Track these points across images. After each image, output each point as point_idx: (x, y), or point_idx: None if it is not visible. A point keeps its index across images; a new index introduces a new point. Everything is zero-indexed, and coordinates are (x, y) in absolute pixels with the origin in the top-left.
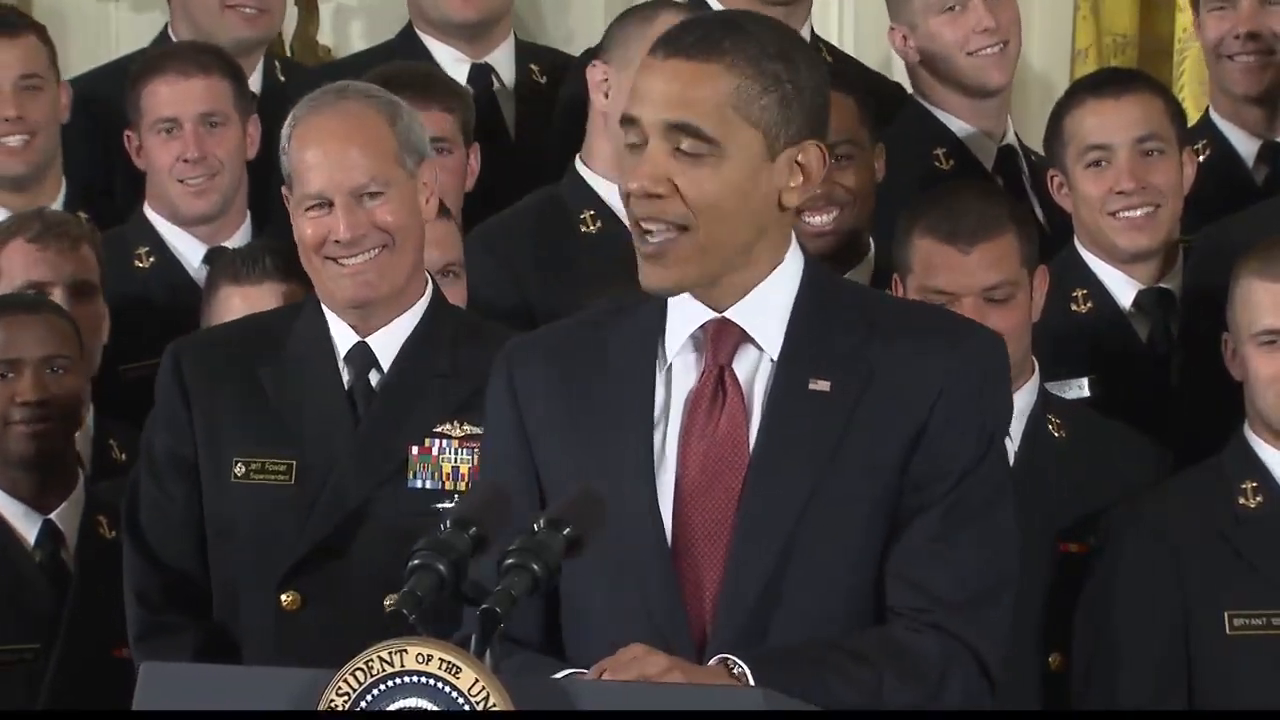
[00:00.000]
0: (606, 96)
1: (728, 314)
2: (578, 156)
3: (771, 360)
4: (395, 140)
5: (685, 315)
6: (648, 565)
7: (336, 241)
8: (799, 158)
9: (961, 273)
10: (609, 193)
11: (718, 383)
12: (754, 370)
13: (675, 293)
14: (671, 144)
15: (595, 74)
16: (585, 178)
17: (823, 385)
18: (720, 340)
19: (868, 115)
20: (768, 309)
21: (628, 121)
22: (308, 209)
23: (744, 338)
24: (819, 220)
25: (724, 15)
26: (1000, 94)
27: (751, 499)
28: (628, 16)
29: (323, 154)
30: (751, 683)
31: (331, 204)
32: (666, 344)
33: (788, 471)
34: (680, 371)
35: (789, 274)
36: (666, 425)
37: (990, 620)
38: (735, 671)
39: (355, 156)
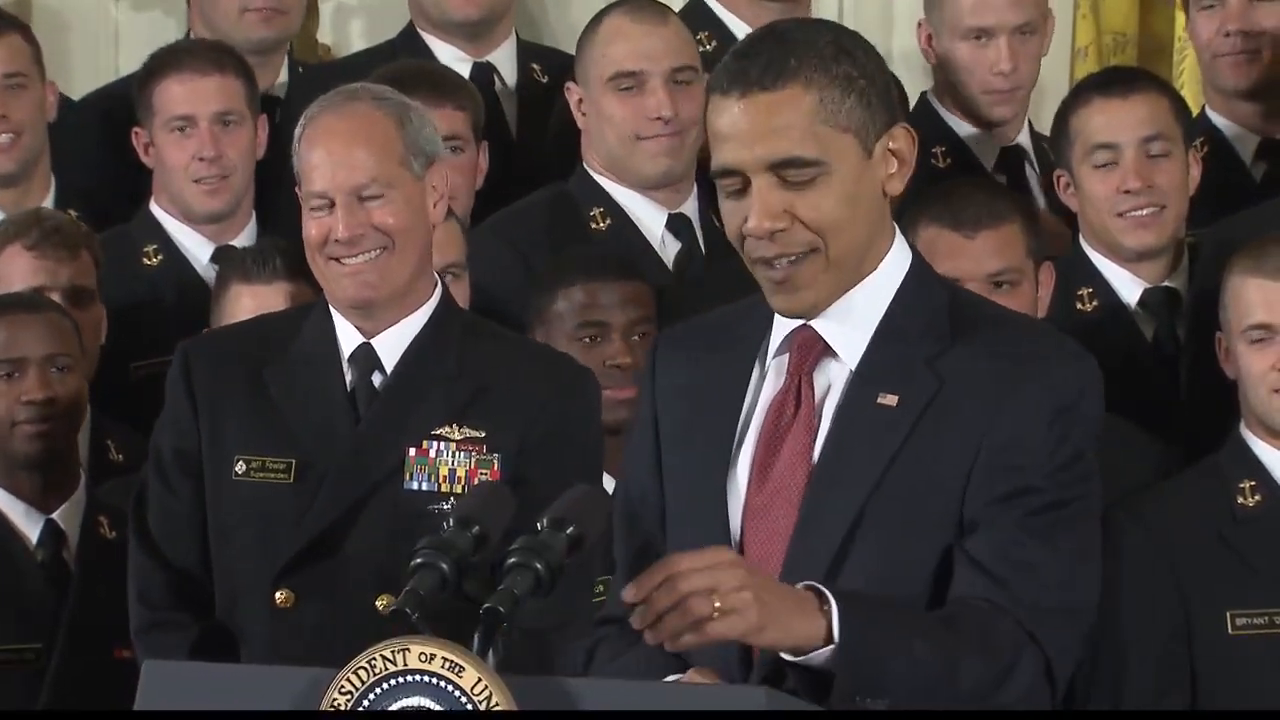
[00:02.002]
0: (585, 115)
1: (814, 323)
2: (582, 159)
3: (852, 371)
4: (402, 142)
5: (784, 321)
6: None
7: (337, 241)
8: (890, 145)
9: (966, 258)
10: (617, 191)
11: (796, 394)
12: (835, 381)
13: (812, 314)
14: (777, 177)
15: (572, 97)
16: (594, 176)
17: (890, 400)
18: (803, 350)
19: (903, 103)
20: (855, 316)
21: (726, 173)
22: (312, 208)
23: (827, 350)
24: None
25: (773, 33)
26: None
27: (807, 513)
28: (583, 32)
29: (327, 154)
30: (836, 619)
31: (333, 204)
32: (770, 346)
33: (843, 487)
34: (772, 376)
35: (887, 275)
36: (749, 425)
37: (1066, 639)
38: (824, 608)
39: (358, 157)
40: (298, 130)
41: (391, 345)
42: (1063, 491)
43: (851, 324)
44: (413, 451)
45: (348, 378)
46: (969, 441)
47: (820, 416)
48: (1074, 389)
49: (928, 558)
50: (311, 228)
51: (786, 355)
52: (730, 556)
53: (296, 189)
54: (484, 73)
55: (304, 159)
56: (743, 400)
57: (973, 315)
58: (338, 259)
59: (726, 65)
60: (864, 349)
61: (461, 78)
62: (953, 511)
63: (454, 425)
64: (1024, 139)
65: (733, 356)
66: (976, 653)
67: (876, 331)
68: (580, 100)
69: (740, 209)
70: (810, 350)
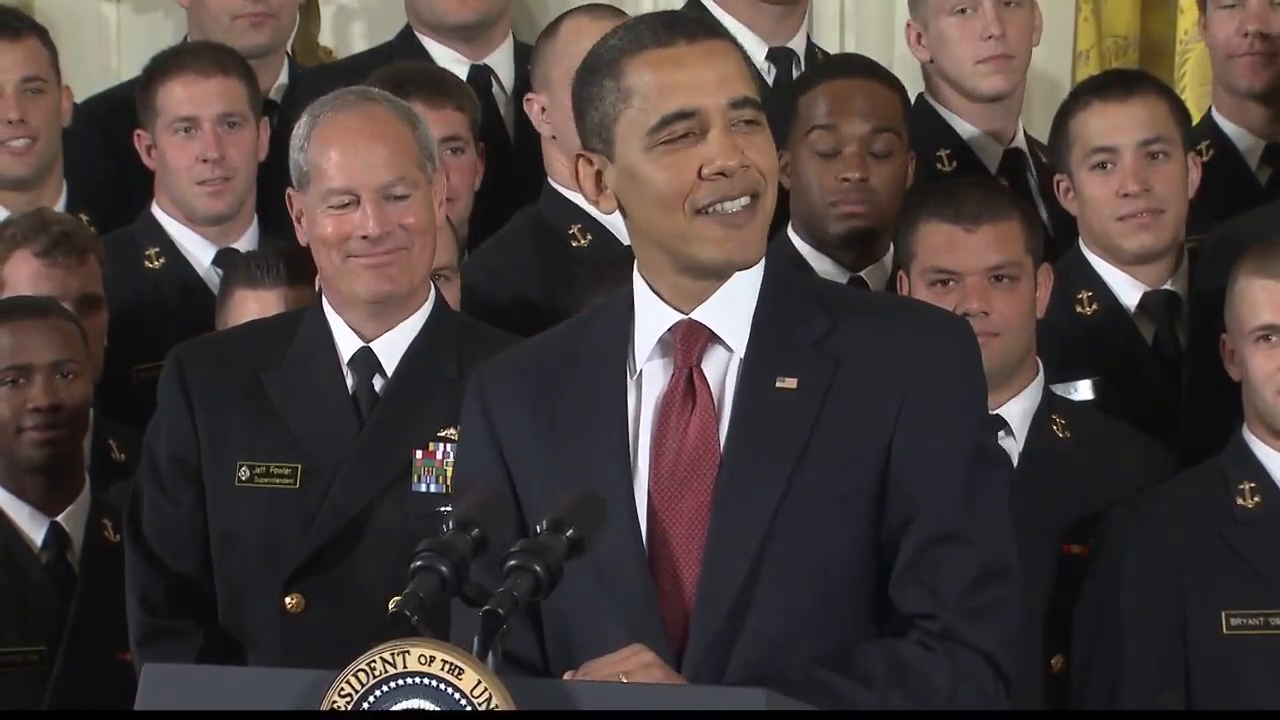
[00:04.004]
0: (549, 123)
1: (694, 315)
2: (548, 177)
3: (740, 359)
4: (416, 145)
5: (653, 321)
6: (625, 571)
7: (364, 237)
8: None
9: (966, 252)
10: (588, 205)
11: (687, 384)
12: (724, 370)
13: (751, 265)
14: (729, 121)
15: (533, 108)
16: (564, 194)
17: (789, 383)
18: (689, 342)
19: (908, 116)
20: (734, 307)
21: (682, 116)
22: (331, 206)
23: (712, 338)
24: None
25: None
26: (1004, 99)
27: (724, 501)
28: (540, 40)
29: (352, 151)
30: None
31: (356, 200)
32: (636, 352)
33: (759, 472)
34: (650, 377)
35: (753, 270)
36: (639, 431)
37: (1002, 622)
38: None
39: (383, 155)
40: (303, 129)
41: (391, 348)
42: (982, 457)
43: (731, 312)
44: (419, 454)
45: (348, 381)
46: (882, 416)
47: (719, 405)
48: (971, 352)
49: (856, 534)
50: (328, 225)
51: (663, 359)
52: (645, 653)
53: (290, 191)
54: (481, 75)
55: (319, 156)
56: (624, 405)
57: (841, 297)
58: (355, 255)
59: (650, 27)
60: (747, 335)
61: (459, 79)
62: (873, 484)
63: (458, 427)
64: (1021, 142)
65: (595, 371)
66: (904, 701)
67: (755, 318)
68: (543, 109)
69: (692, 158)
70: (696, 340)
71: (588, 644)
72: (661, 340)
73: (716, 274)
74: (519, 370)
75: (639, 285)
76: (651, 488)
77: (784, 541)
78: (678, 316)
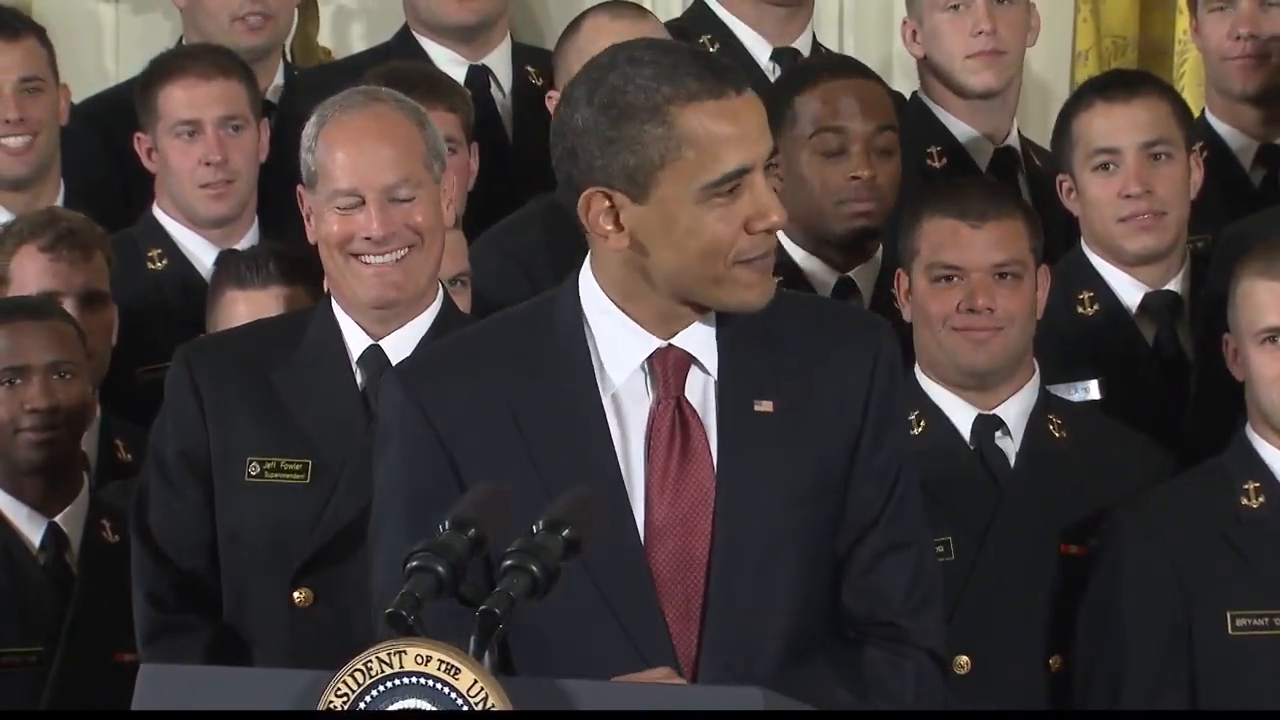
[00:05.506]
0: None
1: (675, 341)
2: None
3: (716, 384)
4: (424, 145)
5: (629, 345)
6: (630, 602)
7: (367, 238)
8: None
9: (971, 248)
10: None
11: (675, 414)
12: (701, 394)
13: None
14: (763, 171)
15: (554, 105)
16: None
17: (766, 406)
18: (671, 369)
19: (900, 114)
20: (705, 331)
21: (743, 172)
22: (337, 206)
23: (690, 362)
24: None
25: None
26: (997, 97)
27: (724, 529)
28: (561, 39)
29: (358, 151)
30: None
31: (362, 201)
32: (608, 373)
33: (754, 498)
34: (628, 400)
35: None
36: (628, 459)
37: (935, 612)
38: None
39: (389, 156)
40: (312, 129)
41: (400, 346)
42: (907, 475)
43: (704, 336)
44: None
45: (358, 379)
46: (846, 439)
47: (707, 429)
48: (898, 352)
49: (834, 555)
50: (334, 225)
51: (637, 380)
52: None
53: (300, 188)
54: (479, 75)
55: (326, 157)
56: (607, 431)
57: (779, 308)
58: (361, 257)
59: (692, 74)
60: (717, 359)
61: (453, 80)
62: (841, 503)
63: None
64: (1014, 141)
65: (560, 384)
66: (881, 702)
67: (719, 340)
68: None
69: (740, 209)
70: (679, 367)
71: (588, 675)
72: (643, 367)
73: (726, 311)
74: (454, 371)
75: (607, 309)
76: (648, 521)
77: (786, 567)
78: (657, 343)
